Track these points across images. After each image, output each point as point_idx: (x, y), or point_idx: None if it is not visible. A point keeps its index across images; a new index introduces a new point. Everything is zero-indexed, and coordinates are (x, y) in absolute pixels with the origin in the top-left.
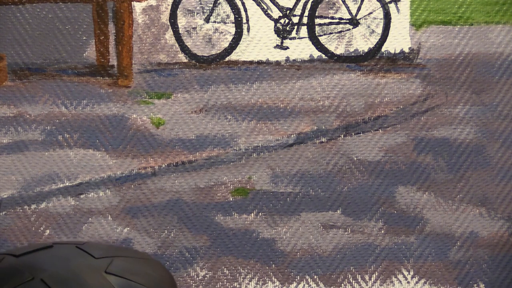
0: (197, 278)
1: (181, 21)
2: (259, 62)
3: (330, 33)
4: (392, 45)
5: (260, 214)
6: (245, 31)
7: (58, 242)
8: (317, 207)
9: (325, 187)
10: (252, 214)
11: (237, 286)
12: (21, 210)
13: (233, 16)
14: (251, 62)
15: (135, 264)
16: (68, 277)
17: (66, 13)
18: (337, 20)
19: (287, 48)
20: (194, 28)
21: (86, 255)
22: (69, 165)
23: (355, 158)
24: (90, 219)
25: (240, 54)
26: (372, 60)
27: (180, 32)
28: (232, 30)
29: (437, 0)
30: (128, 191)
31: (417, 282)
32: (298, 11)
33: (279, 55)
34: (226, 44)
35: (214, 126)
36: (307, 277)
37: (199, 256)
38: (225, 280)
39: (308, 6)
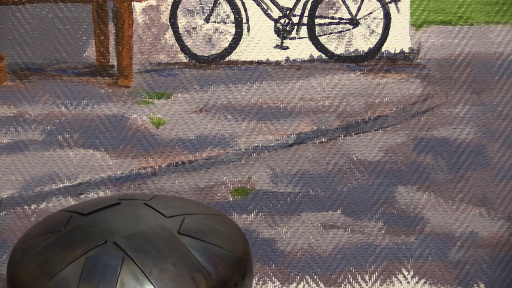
0: None
1: (181, 21)
2: (259, 62)
3: (330, 33)
4: (392, 45)
5: (260, 214)
6: (245, 31)
7: (124, 197)
8: (317, 207)
9: (325, 187)
10: (252, 214)
11: None
12: (21, 210)
13: (233, 16)
14: (251, 62)
15: (207, 223)
16: (142, 241)
17: (66, 13)
18: (337, 20)
19: (287, 48)
20: (194, 28)
21: (157, 213)
22: (69, 165)
23: (355, 158)
24: None
25: (240, 54)
26: (372, 60)
27: (180, 32)
28: (232, 30)
29: (437, 0)
30: (128, 191)
31: (417, 282)
32: (298, 11)
33: (279, 55)
34: (226, 44)
35: (214, 126)
36: (307, 277)
37: None
38: None
39: (308, 6)
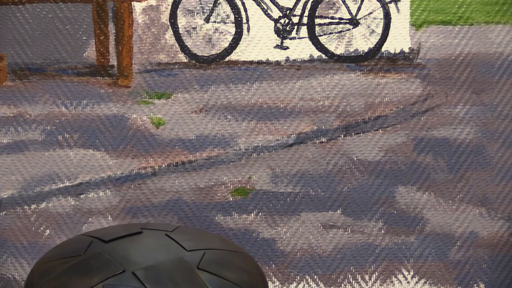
0: None
1: (181, 21)
2: (259, 62)
3: (330, 33)
4: (392, 45)
5: (260, 214)
6: (245, 31)
7: (146, 226)
8: (317, 207)
9: (325, 187)
10: (252, 214)
11: None
12: (21, 210)
13: (233, 16)
14: (251, 62)
15: (227, 258)
16: (160, 273)
17: (66, 13)
18: (337, 20)
19: (287, 48)
20: (194, 28)
21: (177, 246)
22: (69, 165)
23: (355, 158)
24: (90, 219)
25: (240, 54)
26: (372, 60)
27: (180, 32)
28: (232, 30)
29: (437, 0)
30: (128, 191)
31: (417, 282)
32: (298, 11)
33: (279, 55)
34: (226, 44)
35: (214, 126)
36: (307, 277)
37: None
38: None
39: (308, 6)
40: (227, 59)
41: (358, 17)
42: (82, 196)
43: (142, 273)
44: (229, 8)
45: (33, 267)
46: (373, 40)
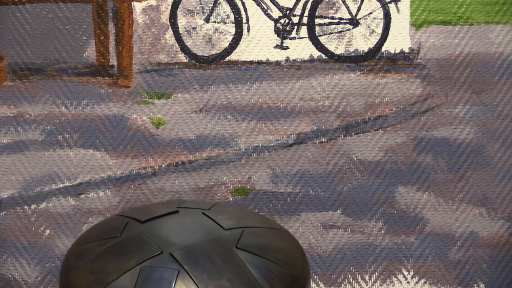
0: None
1: (181, 21)
2: (259, 62)
3: (330, 33)
4: (392, 45)
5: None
6: (245, 31)
7: (183, 205)
8: (317, 207)
9: (325, 187)
10: None
11: None
12: (21, 210)
13: (233, 16)
14: (251, 62)
15: (266, 236)
16: (198, 254)
17: (66, 13)
18: (337, 20)
19: (287, 48)
20: (194, 28)
21: (215, 225)
22: (69, 165)
23: (355, 158)
24: (90, 219)
25: (240, 54)
26: (372, 60)
27: (180, 32)
28: (232, 30)
29: (437, 0)
30: (128, 191)
31: (417, 282)
32: (298, 11)
33: (279, 55)
34: (226, 44)
35: (214, 126)
36: None
37: None
38: None
39: (308, 6)
40: (227, 59)
41: (358, 17)
42: (82, 196)
43: (179, 254)
44: (229, 8)
45: (69, 249)
46: (373, 40)
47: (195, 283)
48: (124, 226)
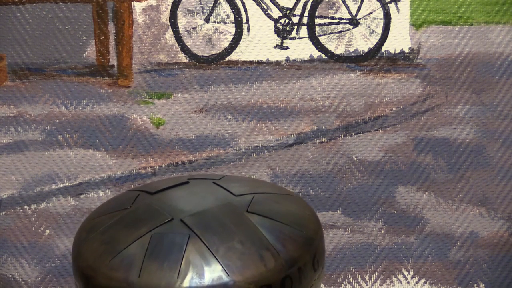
0: None
1: (181, 21)
2: (259, 62)
3: (330, 33)
4: (392, 45)
5: None
6: (245, 31)
7: (194, 177)
8: (317, 207)
9: (325, 187)
10: None
11: None
12: (21, 210)
13: (233, 16)
14: (251, 62)
15: (277, 201)
16: (209, 218)
17: (66, 13)
18: (337, 20)
19: (287, 48)
20: (194, 28)
21: (225, 192)
22: (69, 165)
23: (355, 158)
24: None
25: (240, 54)
26: (372, 60)
27: (180, 32)
28: (232, 30)
29: (437, 0)
30: None
31: (417, 282)
32: (298, 11)
33: (279, 55)
34: (226, 44)
35: (214, 126)
36: None
37: None
38: None
39: (308, 6)
40: (227, 59)
41: (358, 17)
42: (82, 196)
43: (190, 219)
44: (229, 8)
45: (80, 225)
46: (373, 40)
47: (206, 246)
48: (135, 198)
